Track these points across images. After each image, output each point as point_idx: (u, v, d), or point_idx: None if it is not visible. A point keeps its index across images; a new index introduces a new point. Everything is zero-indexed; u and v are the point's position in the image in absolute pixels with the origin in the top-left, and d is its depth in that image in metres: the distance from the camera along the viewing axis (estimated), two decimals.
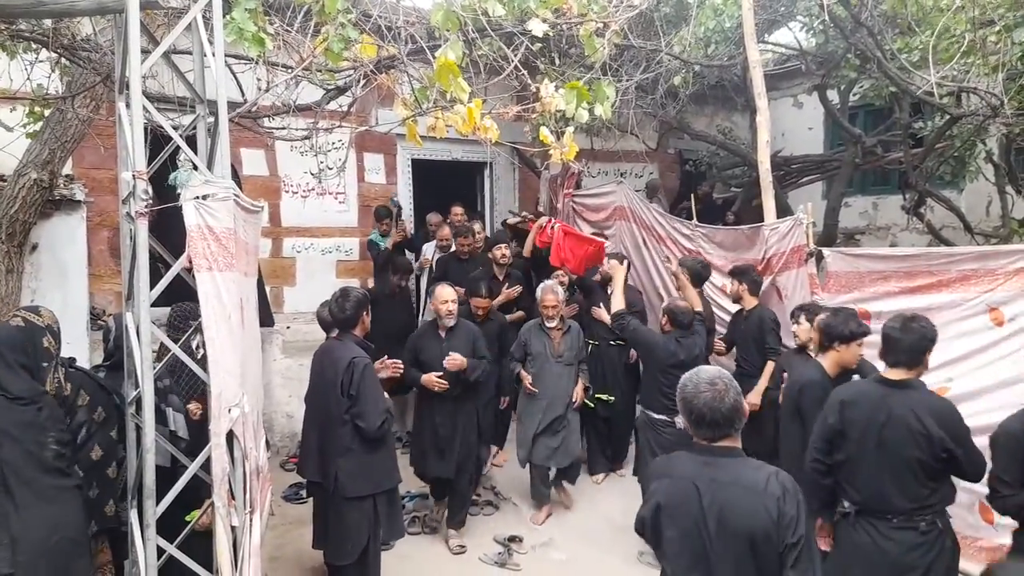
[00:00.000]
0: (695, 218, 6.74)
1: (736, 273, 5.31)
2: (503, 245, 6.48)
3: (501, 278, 6.44)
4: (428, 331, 5.02)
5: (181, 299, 3.63)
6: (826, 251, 4.91)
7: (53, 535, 2.81)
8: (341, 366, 3.90)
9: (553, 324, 5.33)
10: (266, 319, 6.24)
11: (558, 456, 5.34)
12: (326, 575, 4.25)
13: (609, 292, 5.99)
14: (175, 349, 2.87)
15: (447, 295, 4.90)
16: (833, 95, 8.21)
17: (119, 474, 3.26)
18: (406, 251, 7.55)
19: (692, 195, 7.82)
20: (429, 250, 7.36)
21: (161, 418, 3.28)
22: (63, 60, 4.18)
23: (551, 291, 5.31)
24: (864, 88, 7.66)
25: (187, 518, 2.98)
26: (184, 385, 3.64)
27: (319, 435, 4.05)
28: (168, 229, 2.95)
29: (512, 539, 5.00)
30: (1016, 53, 4.84)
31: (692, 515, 2.27)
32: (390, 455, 4.13)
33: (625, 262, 5.64)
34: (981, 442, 3.07)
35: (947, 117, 6.25)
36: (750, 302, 5.20)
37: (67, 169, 5.24)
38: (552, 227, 6.59)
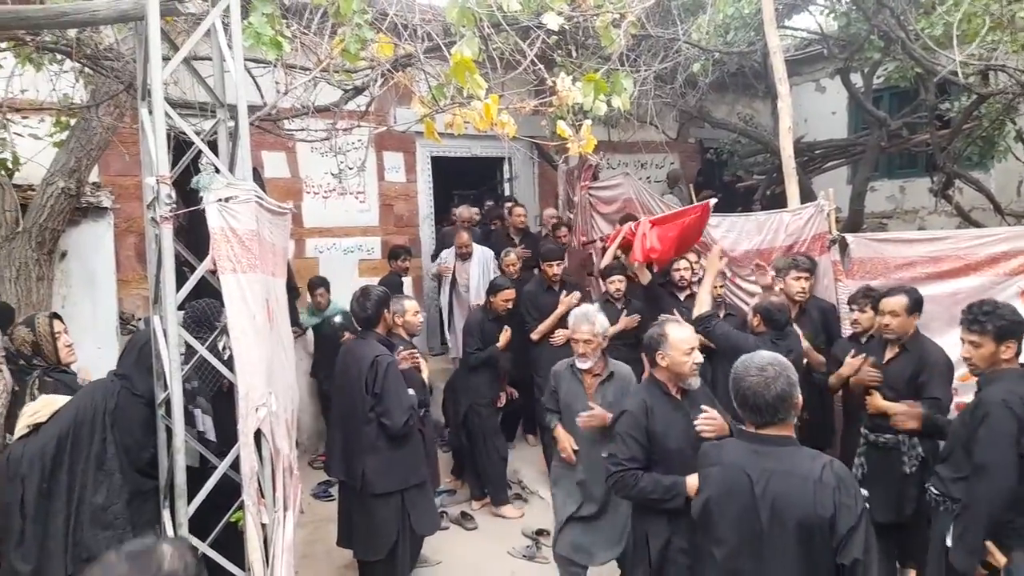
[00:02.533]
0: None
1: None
2: (555, 262, 5.87)
3: (557, 289, 5.89)
4: (655, 399, 3.15)
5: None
6: (849, 237, 4.84)
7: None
8: (365, 364, 3.92)
9: (587, 365, 3.83)
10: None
11: (593, 552, 3.81)
12: (356, 572, 4.30)
13: (683, 297, 5.35)
14: (202, 351, 2.91)
15: (690, 340, 3.17)
16: (856, 78, 8.08)
17: None
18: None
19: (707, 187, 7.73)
20: (449, 257, 7.13)
21: (189, 419, 3.32)
22: (87, 70, 4.26)
23: (585, 319, 3.81)
24: (888, 70, 7.54)
25: (233, 519, 3.01)
26: (208, 384, 3.70)
27: (344, 434, 4.08)
28: (197, 233, 3.00)
29: (540, 532, 5.01)
30: None
31: (744, 503, 2.24)
32: (416, 451, 4.14)
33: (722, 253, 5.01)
34: None
35: (974, 97, 6.14)
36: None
37: (93, 177, 5.33)
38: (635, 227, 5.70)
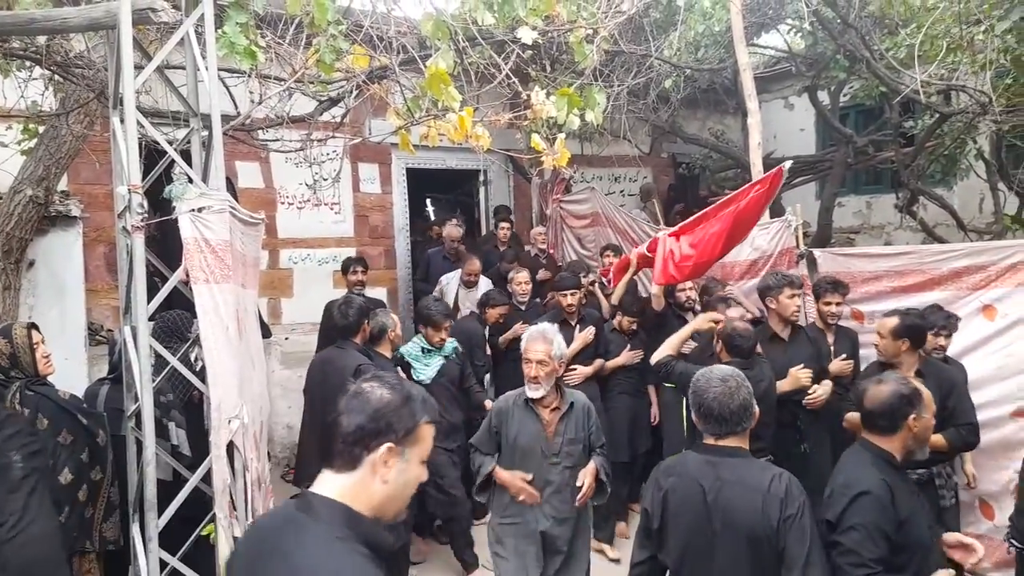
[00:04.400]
0: (661, 222, 6.74)
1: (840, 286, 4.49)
2: (568, 292, 5.24)
3: (573, 323, 5.22)
4: (892, 478, 2.51)
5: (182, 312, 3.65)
6: (817, 252, 4.93)
7: (28, 555, 2.63)
8: (348, 373, 3.90)
9: (539, 393, 3.25)
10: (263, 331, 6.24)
11: None
12: None
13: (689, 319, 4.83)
14: (174, 362, 2.88)
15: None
16: (824, 96, 8.27)
17: (90, 497, 3.16)
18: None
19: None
20: (452, 284, 6.38)
21: (163, 432, 3.28)
22: (56, 77, 4.21)
23: (541, 338, 3.28)
24: (854, 88, 7.73)
25: (204, 533, 2.97)
26: (178, 396, 3.65)
27: (320, 443, 4.05)
28: (167, 243, 2.97)
29: None
30: (999, 46, 4.88)
31: (697, 513, 2.29)
32: None
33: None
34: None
35: (937, 116, 6.31)
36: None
37: (62, 185, 5.25)
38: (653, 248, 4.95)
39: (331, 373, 4.03)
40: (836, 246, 7.40)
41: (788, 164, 4.42)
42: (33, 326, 3.33)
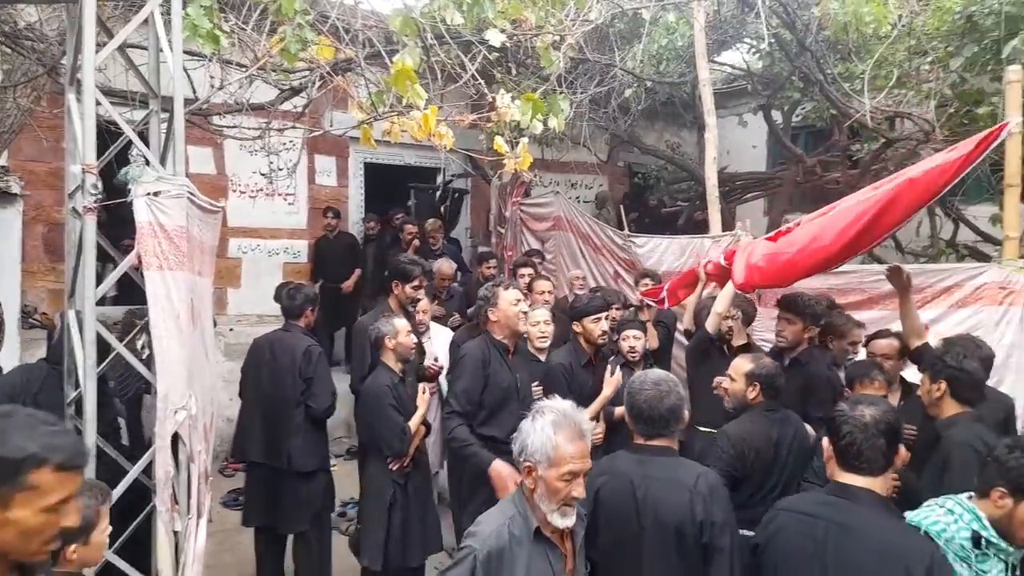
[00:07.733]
0: (626, 228, 6.85)
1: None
2: (600, 315, 4.11)
3: (595, 361, 4.16)
4: None
5: (132, 299, 3.56)
6: None
7: None
8: (297, 353, 4.13)
9: (572, 520, 2.10)
10: None
11: None
12: None
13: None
14: (120, 348, 2.80)
15: None
16: (777, 115, 8.51)
17: None
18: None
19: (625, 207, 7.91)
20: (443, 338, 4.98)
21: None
22: (4, 48, 4.04)
23: (578, 434, 2.08)
24: (806, 110, 7.98)
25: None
26: (124, 386, 3.56)
27: (265, 418, 4.20)
28: (115, 227, 2.88)
29: None
30: (950, 80, 5.11)
31: (627, 510, 2.37)
32: (327, 437, 4.37)
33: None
34: None
35: (882, 140, 6.56)
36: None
37: (2, 161, 5.05)
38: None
39: (280, 353, 4.20)
40: None
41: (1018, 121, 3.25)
42: None
